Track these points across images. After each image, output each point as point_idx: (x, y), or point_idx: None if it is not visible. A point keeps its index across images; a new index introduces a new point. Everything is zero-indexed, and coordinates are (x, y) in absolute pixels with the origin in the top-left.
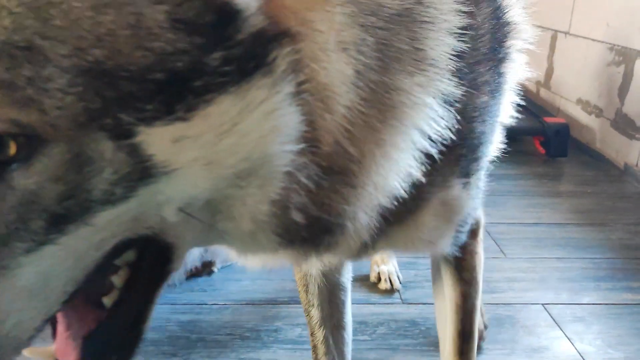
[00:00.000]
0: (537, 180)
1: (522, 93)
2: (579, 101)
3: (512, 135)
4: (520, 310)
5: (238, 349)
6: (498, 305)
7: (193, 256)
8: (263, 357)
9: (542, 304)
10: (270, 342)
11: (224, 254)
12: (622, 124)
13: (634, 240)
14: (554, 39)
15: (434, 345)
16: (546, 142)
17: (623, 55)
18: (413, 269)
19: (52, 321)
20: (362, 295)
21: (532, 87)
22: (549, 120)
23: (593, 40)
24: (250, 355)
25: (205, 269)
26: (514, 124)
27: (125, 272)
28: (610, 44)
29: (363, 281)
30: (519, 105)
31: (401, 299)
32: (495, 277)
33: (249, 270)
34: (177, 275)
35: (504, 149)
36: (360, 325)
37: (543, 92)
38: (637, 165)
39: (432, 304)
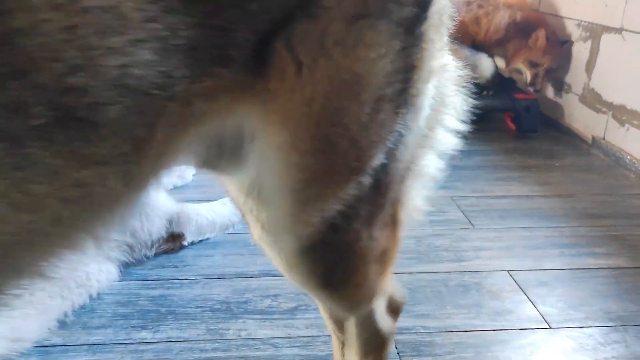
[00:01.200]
0: (507, 155)
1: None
2: None
3: (484, 112)
4: (485, 277)
5: (208, 320)
6: (464, 273)
7: (158, 228)
8: (232, 327)
9: (508, 271)
10: (240, 313)
11: (193, 228)
12: (590, 98)
13: (599, 210)
14: None
15: None
16: (517, 118)
17: (590, 31)
18: None
19: None
20: None
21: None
22: (520, 96)
23: (561, 17)
24: (219, 325)
25: (175, 242)
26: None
27: None
28: (577, 20)
29: None
30: (492, 83)
31: None
32: (463, 246)
33: (220, 246)
34: (147, 251)
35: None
36: None
37: None
38: (604, 138)
39: None
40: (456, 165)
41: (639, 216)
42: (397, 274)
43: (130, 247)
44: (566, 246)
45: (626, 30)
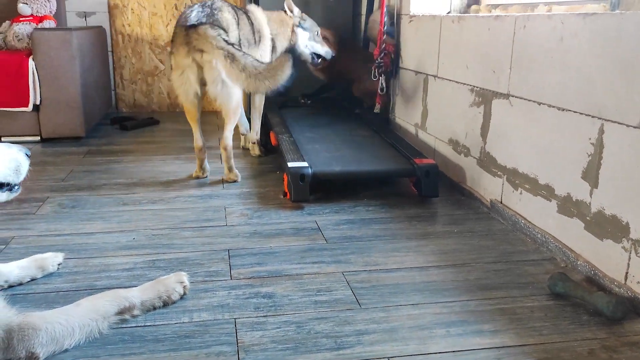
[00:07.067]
0: (407, 222)
1: (403, 136)
2: (450, 141)
3: (387, 178)
4: None
5: None
6: None
7: None
8: None
9: (388, 358)
10: None
11: (44, 340)
12: (487, 161)
13: (490, 280)
14: (425, 82)
15: None
16: (417, 183)
17: (482, 96)
18: None
19: None
20: None
21: (412, 129)
22: (419, 161)
23: (457, 82)
24: None
25: None
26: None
27: None
28: (470, 85)
29: None
30: (394, 148)
31: None
32: (346, 330)
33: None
34: None
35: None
36: None
37: (421, 134)
38: (501, 202)
39: None
40: (353, 236)
41: (530, 285)
42: None
43: None
44: (453, 324)
45: (512, 96)
